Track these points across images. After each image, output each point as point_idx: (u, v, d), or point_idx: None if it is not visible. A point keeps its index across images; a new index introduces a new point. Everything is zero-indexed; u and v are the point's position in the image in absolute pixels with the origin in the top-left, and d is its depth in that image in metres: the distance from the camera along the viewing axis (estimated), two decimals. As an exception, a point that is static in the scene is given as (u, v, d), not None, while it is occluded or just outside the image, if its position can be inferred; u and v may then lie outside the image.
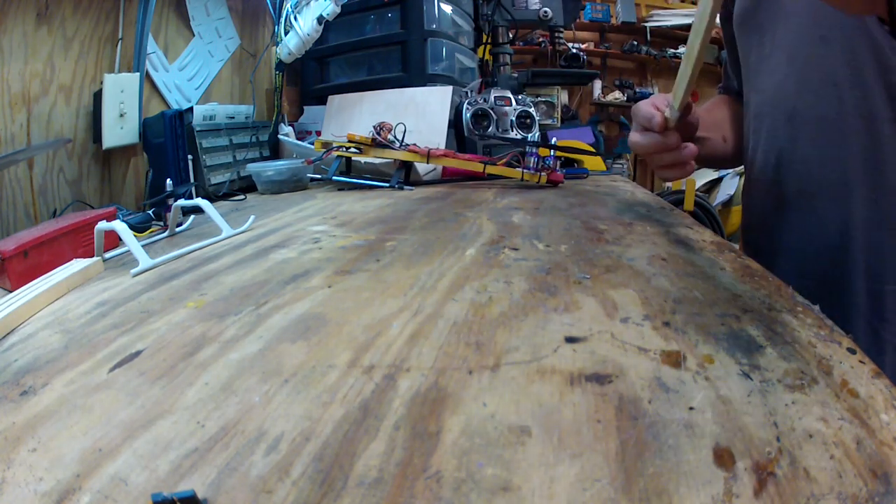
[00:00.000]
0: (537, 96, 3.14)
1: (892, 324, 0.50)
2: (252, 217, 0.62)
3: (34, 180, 0.79)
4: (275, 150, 1.09)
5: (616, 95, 4.06)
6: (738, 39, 0.69)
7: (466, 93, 1.04)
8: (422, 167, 0.88)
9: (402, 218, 0.61)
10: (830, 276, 0.51)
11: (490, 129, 0.97)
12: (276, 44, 1.05)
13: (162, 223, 0.67)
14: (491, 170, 0.80)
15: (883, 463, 0.18)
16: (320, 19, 0.99)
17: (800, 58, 0.57)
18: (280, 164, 0.91)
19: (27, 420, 0.23)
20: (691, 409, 0.21)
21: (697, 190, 2.43)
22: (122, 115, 0.87)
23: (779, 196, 0.61)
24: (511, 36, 1.33)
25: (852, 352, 0.25)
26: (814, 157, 0.57)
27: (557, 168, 0.81)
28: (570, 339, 0.27)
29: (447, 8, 1.21)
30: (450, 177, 0.93)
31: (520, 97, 1.02)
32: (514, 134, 0.98)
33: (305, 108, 1.24)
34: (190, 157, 0.87)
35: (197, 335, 0.30)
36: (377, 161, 0.84)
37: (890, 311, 0.50)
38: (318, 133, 1.13)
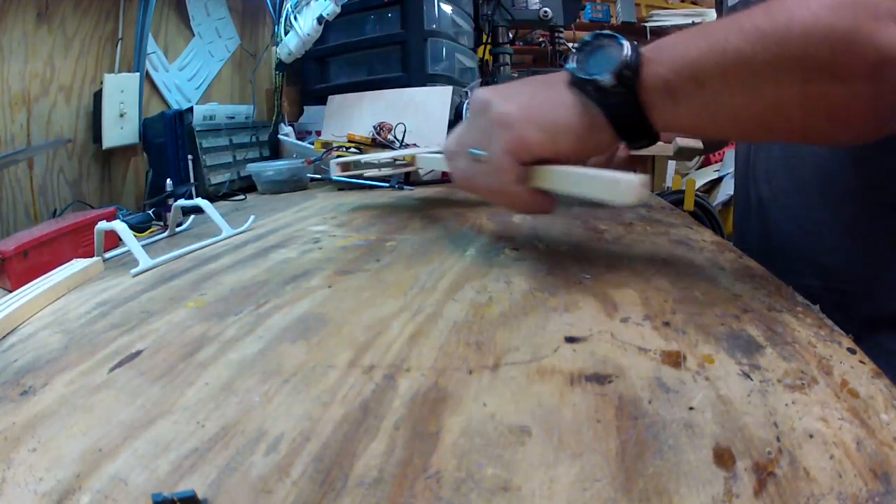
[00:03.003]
0: (537, 96, 3.13)
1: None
2: (252, 217, 0.62)
3: (34, 180, 0.79)
4: (275, 150, 1.09)
5: (616, 95, 4.06)
6: None
7: (466, 93, 1.04)
8: (422, 167, 0.88)
9: (402, 218, 0.61)
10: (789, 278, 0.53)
11: (490, 129, 0.97)
12: (276, 44, 1.05)
13: (162, 223, 0.67)
14: (491, 170, 0.79)
15: (883, 463, 0.18)
16: (320, 19, 0.99)
17: None
18: (280, 164, 0.91)
19: (27, 420, 0.23)
20: (691, 408, 0.21)
21: (697, 190, 2.43)
22: (122, 115, 0.87)
23: (745, 199, 0.62)
24: (511, 36, 1.33)
25: (852, 352, 0.25)
26: (774, 166, 0.58)
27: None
28: (570, 339, 0.27)
29: (447, 8, 1.21)
30: (450, 177, 0.93)
31: (520, 97, 1.02)
32: (514, 134, 0.98)
33: (305, 108, 1.24)
34: (190, 157, 0.87)
35: (197, 335, 0.30)
36: (377, 161, 0.84)
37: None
38: (318, 133, 1.13)
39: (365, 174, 0.66)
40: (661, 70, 0.31)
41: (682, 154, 0.55)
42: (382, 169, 0.67)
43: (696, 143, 0.57)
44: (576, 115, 0.35)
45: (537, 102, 0.36)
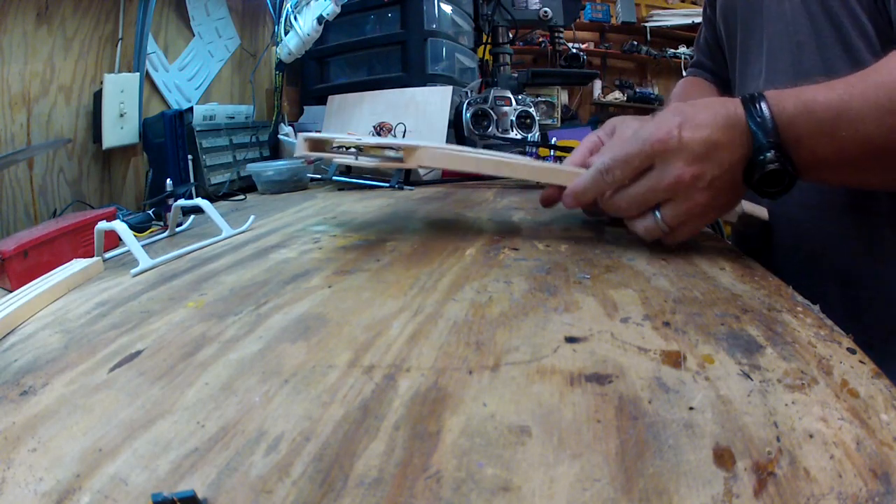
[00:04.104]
0: (537, 96, 3.14)
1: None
2: (252, 217, 0.62)
3: (34, 180, 0.79)
4: (275, 150, 1.09)
5: (616, 95, 4.07)
6: (723, 30, 0.69)
7: (466, 93, 1.04)
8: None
9: (402, 218, 0.61)
10: (805, 283, 0.52)
11: (490, 129, 0.97)
12: (276, 44, 1.05)
13: (162, 223, 0.67)
14: (491, 170, 0.79)
15: (883, 463, 0.18)
16: (320, 19, 0.99)
17: (778, 65, 0.57)
18: (280, 164, 0.91)
19: (27, 420, 0.23)
20: (691, 409, 0.21)
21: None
22: (122, 115, 0.87)
23: (756, 199, 0.61)
24: (511, 36, 1.33)
25: (852, 352, 0.25)
26: None
27: (557, 168, 0.81)
28: (571, 339, 0.27)
29: (447, 8, 1.21)
30: (450, 177, 0.93)
31: (520, 97, 1.02)
32: (514, 134, 0.98)
33: (305, 108, 1.24)
34: (190, 157, 0.87)
35: (197, 335, 0.30)
36: (377, 161, 0.84)
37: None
38: (319, 133, 1.13)
39: (336, 159, 0.49)
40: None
41: (742, 221, 0.50)
42: (362, 158, 0.47)
43: (762, 212, 0.52)
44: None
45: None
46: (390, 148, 0.45)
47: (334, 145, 0.48)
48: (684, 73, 0.88)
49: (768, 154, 0.36)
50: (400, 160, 0.46)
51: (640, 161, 0.38)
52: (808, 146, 0.37)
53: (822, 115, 0.36)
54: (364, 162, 0.45)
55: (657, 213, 0.39)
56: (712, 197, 0.38)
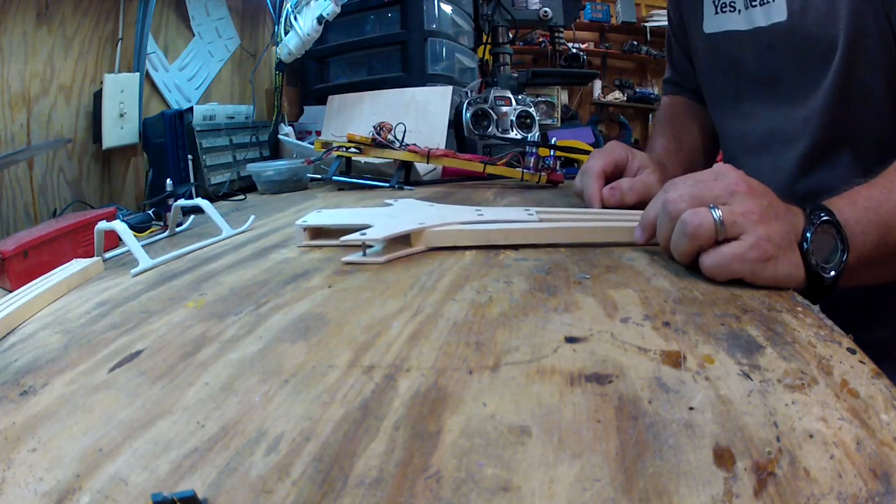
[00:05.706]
0: (537, 96, 3.14)
1: None
2: (252, 217, 0.62)
3: (34, 180, 0.79)
4: (275, 150, 1.09)
5: (616, 95, 4.07)
6: (704, 73, 0.71)
7: (466, 93, 1.04)
8: (422, 167, 0.88)
9: (402, 218, 0.61)
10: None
11: (490, 129, 0.97)
12: (276, 44, 1.05)
13: (162, 223, 0.67)
14: (491, 170, 0.79)
15: (883, 463, 0.18)
16: (320, 19, 0.99)
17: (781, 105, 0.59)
18: (280, 164, 0.91)
19: (27, 420, 0.23)
20: (691, 409, 0.21)
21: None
22: (122, 115, 0.87)
23: None
24: (511, 36, 1.33)
25: (852, 352, 0.26)
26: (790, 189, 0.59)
27: (557, 168, 0.81)
28: (571, 339, 0.27)
29: (447, 8, 1.21)
30: (450, 177, 0.93)
31: (520, 97, 1.02)
32: (514, 134, 0.98)
33: (305, 108, 1.24)
34: (190, 157, 0.87)
35: (197, 335, 0.30)
36: (377, 161, 0.84)
37: None
38: (318, 133, 1.13)
39: (347, 258, 0.43)
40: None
41: None
42: (369, 252, 0.43)
43: None
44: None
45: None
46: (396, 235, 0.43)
47: (341, 239, 0.45)
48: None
49: (817, 211, 0.37)
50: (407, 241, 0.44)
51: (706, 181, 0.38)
52: (854, 232, 0.37)
53: (866, 203, 0.39)
54: (370, 258, 0.42)
55: (714, 209, 0.35)
56: (767, 217, 0.35)
